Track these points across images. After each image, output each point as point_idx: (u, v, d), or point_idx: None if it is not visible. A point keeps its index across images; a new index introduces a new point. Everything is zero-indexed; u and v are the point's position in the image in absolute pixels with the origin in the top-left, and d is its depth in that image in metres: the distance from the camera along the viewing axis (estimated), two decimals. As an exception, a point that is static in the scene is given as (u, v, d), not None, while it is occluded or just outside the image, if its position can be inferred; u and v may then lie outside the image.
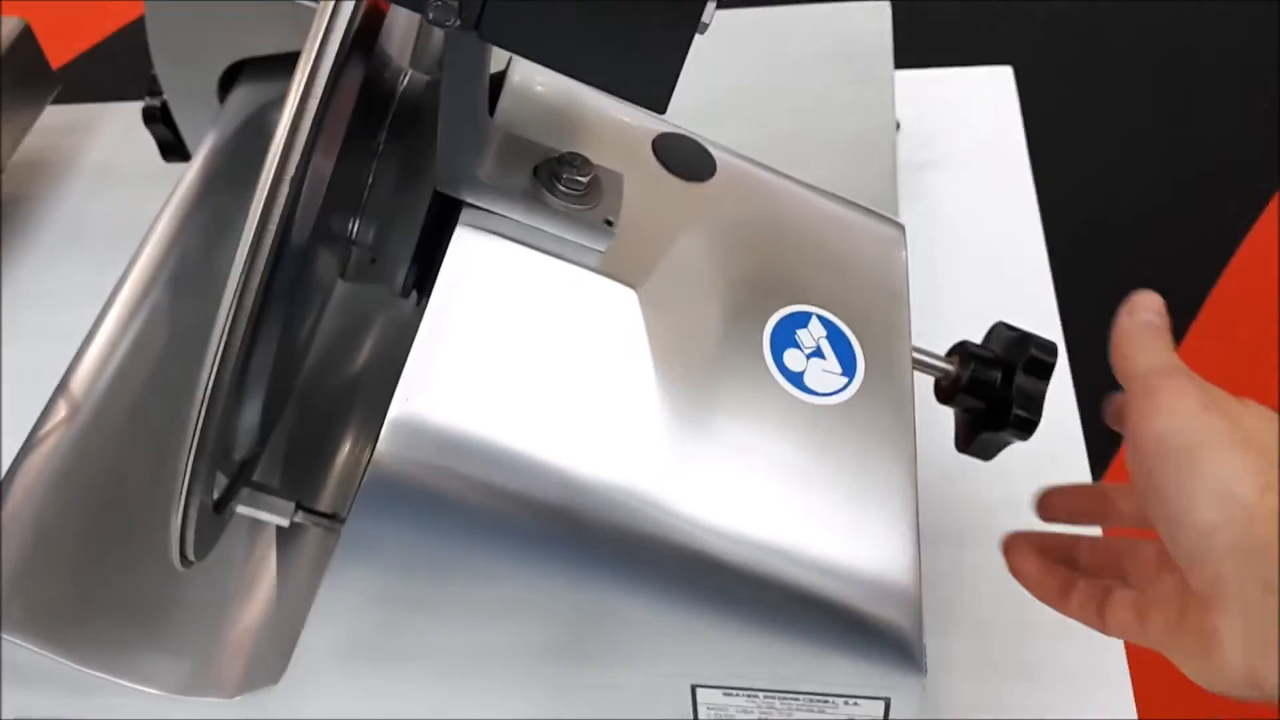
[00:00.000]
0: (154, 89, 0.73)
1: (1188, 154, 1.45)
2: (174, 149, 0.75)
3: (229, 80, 0.70)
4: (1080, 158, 1.35)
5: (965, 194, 0.82)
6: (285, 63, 0.68)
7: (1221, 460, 0.37)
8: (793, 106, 0.76)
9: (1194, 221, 1.35)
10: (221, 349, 0.34)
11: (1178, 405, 0.39)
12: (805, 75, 0.77)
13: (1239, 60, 1.58)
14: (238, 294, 0.33)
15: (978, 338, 0.52)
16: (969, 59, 0.91)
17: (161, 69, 0.70)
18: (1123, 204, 1.34)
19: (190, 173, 0.66)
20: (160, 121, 0.73)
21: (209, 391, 0.34)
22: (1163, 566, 0.40)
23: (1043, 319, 0.72)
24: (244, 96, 0.69)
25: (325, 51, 0.33)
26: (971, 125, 0.87)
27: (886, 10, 0.80)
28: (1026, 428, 0.46)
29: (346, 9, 0.32)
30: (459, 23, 0.33)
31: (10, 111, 0.79)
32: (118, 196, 0.84)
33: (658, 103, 0.34)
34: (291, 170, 0.32)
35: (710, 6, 0.33)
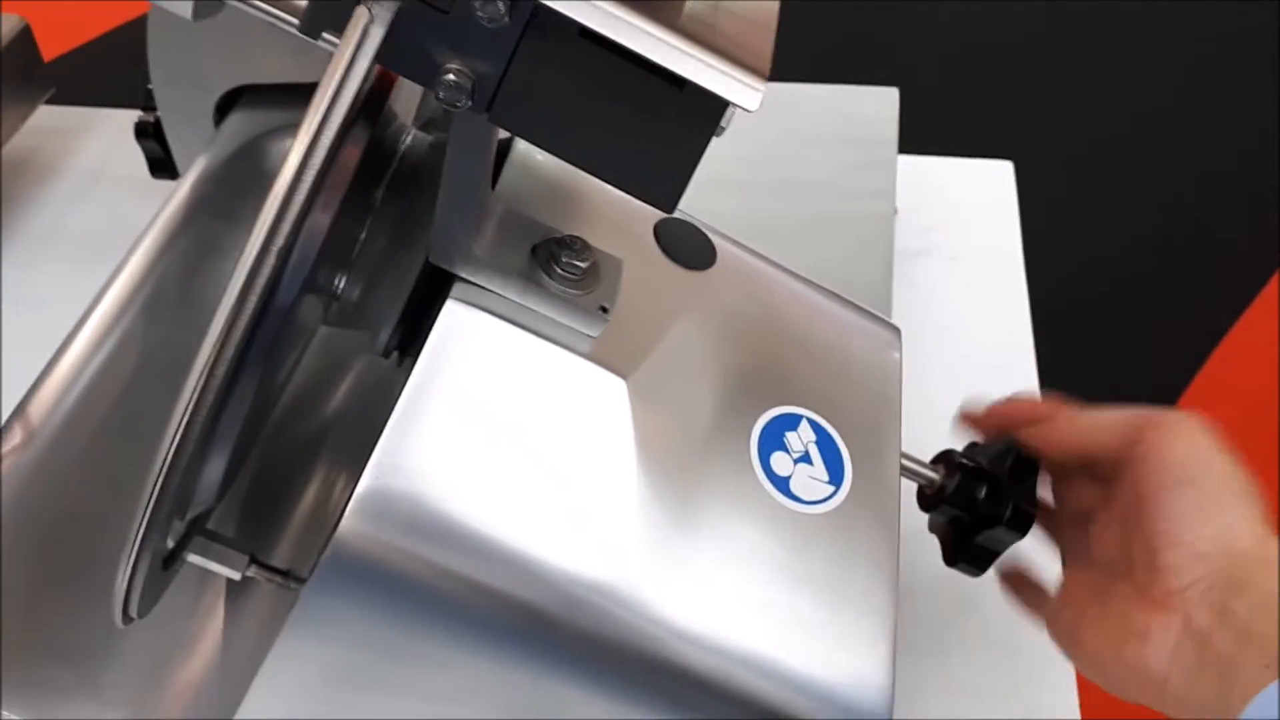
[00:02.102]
0: (149, 104, 0.71)
1: (1178, 258, 1.47)
2: (163, 166, 0.74)
3: (226, 104, 0.69)
4: (1074, 257, 1.36)
5: (957, 284, 0.82)
6: (284, 92, 0.68)
7: (1232, 503, 0.42)
8: (794, 183, 0.76)
9: (1178, 324, 1.36)
10: (188, 416, 0.32)
11: (1197, 439, 0.43)
12: (809, 154, 0.77)
13: (1238, 163, 1.60)
14: (211, 362, 0.32)
15: (957, 431, 0.52)
16: (971, 150, 0.91)
17: (159, 87, 0.68)
18: (1111, 307, 1.35)
19: (177, 196, 0.64)
20: (152, 138, 0.72)
21: (169, 459, 0.33)
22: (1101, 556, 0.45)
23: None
24: (239, 123, 0.68)
25: (331, 115, 0.32)
26: (969, 216, 0.87)
27: (894, 97, 0.80)
28: (1020, 527, 0.46)
29: (356, 79, 0.31)
30: (470, 104, 0.32)
31: (1, 109, 0.77)
32: (101, 204, 0.83)
33: (667, 203, 0.33)
34: (281, 240, 0.31)
35: (730, 111, 0.32)
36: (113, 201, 0.82)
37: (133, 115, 0.73)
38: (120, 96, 0.87)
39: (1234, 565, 0.41)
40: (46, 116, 0.83)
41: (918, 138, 0.84)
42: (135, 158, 0.74)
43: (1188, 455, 0.43)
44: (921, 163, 0.88)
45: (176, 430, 0.33)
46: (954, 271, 0.82)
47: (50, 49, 0.84)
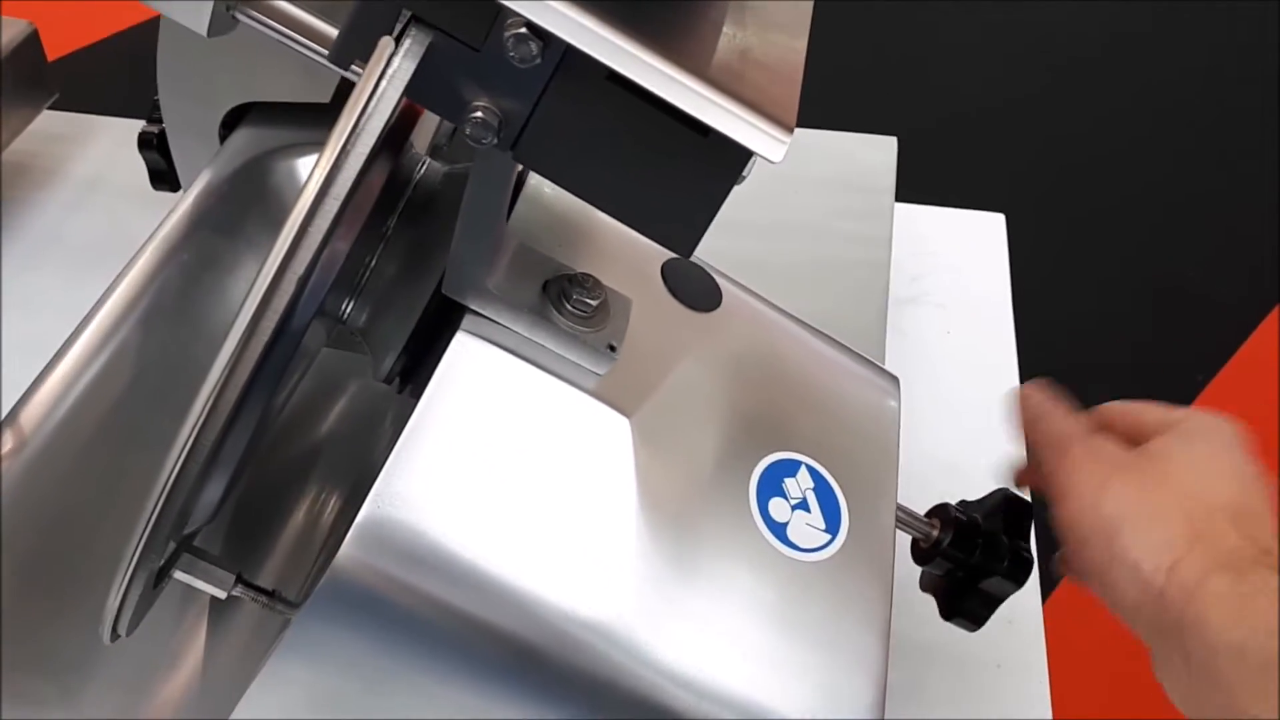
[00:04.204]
0: (154, 115, 0.71)
1: (1165, 312, 1.49)
2: (164, 178, 0.74)
3: (232, 120, 0.69)
4: (1063, 309, 1.38)
5: (946, 332, 0.83)
6: (290, 111, 0.68)
7: (1130, 541, 0.39)
8: (792, 226, 0.76)
9: (1164, 376, 1.39)
10: (195, 437, 0.32)
11: (1076, 488, 0.41)
12: (808, 198, 0.78)
13: (1229, 221, 1.63)
14: (221, 384, 0.32)
15: (944, 480, 0.53)
16: (964, 201, 0.92)
17: (166, 99, 0.68)
18: (1098, 359, 1.37)
19: (179, 210, 0.64)
20: (155, 149, 0.72)
21: (173, 480, 0.33)
22: None
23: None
24: (245, 140, 0.68)
25: (356, 143, 0.32)
26: (960, 266, 0.88)
27: (893, 146, 0.81)
28: (1017, 576, 0.46)
29: (385, 110, 0.31)
30: (495, 141, 0.32)
31: (4, 113, 0.77)
32: (99, 212, 0.83)
33: (685, 248, 0.33)
34: (301, 268, 0.31)
35: (752, 160, 0.32)
36: (110, 210, 0.82)
37: (133, 125, 0.73)
38: (122, 103, 0.88)
39: (1162, 611, 0.38)
40: (48, 122, 0.83)
41: (911, 187, 0.85)
42: (134, 167, 0.74)
43: (1073, 511, 0.41)
44: (914, 211, 0.89)
45: (183, 450, 0.33)
46: (943, 320, 0.83)
47: (54, 50, 0.84)
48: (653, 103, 0.31)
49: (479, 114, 0.32)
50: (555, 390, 0.39)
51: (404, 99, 0.32)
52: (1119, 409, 0.46)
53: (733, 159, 0.32)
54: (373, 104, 0.31)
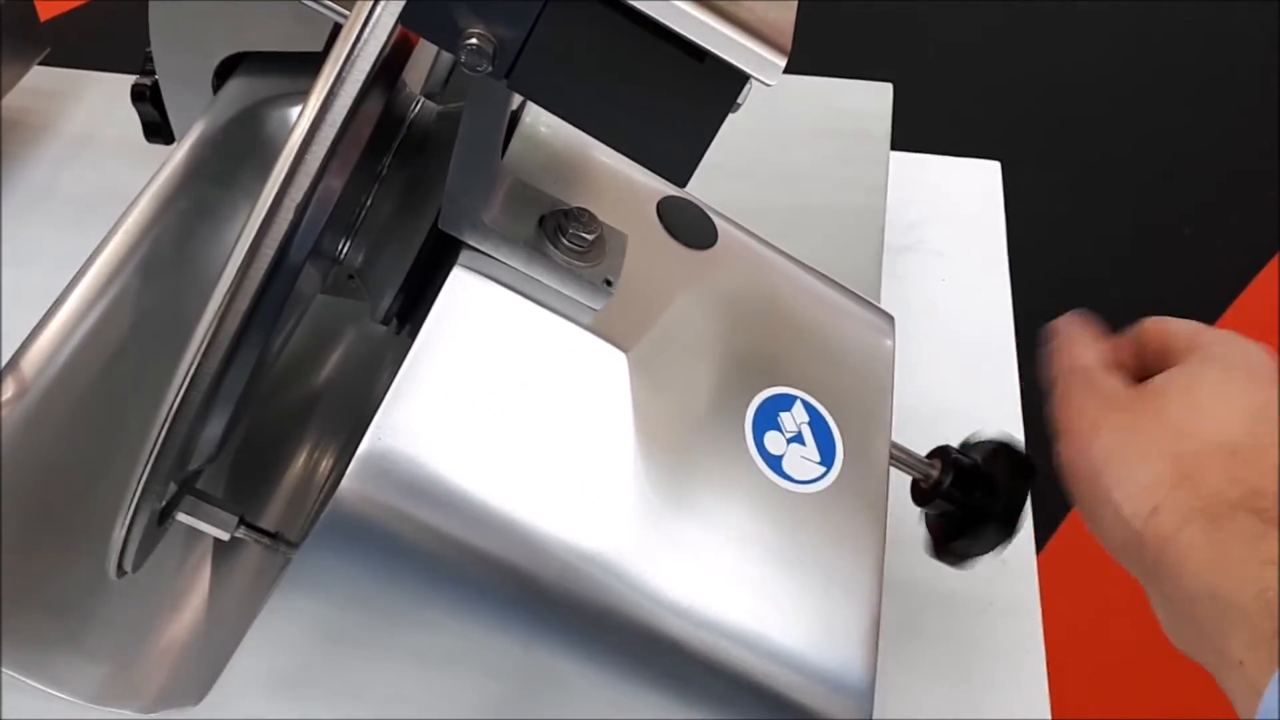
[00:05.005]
0: (147, 67, 0.71)
1: (1160, 259, 1.50)
2: (158, 130, 0.73)
3: (225, 70, 0.69)
4: (1058, 256, 1.39)
5: (941, 281, 0.83)
6: (284, 60, 0.68)
7: (1112, 483, 0.39)
8: (786, 174, 0.76)
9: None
10: (196, 365, 0.32)
11: (1072, 427, 0.42)
12: (802, 145, 0.78)
13: (1226, 169, 1.63)
14: (220, 314, 0.32)
15: (937, 426, 0.53)
16: (960, 149, 0.92)
17: (158, 49, 0.68)
18: (1092, 306, 1.38)
19: (174, 160, 0.64)
20: (148, 101, 0.72)
21: (175, 409, 0.33)
22: None
23: (1005, 417, 0.73)
24: (239, 89, 0.68)
25: (352, 70, 0.32)
26: (954, 215, 0.87)
27: (888, 92, 0.80)
28: (1005, 531, 0.47)
29: (380, 35, 0.31)
30: (490, 69, 0.32)
31: (-3, 68, 0.77)
32: (92, 167, 0.82)
33: (679, 176, 0.33)
34: (299, 195, 0.31)
35: (748, 86, 0.32)
36: (104, 164, 0.82)
37: (125, 80, 0.72)
38: (113, 61, 0.87)
39: (1142, 555, 0.38)
40: (39, 77, 0.83)
41: (907, 134, 0.84)
42: (126, 122, 0.73)
43: (1067, 449, 0.41)
44: (910, 159, 0.88)
45: (184, 380, 0.33)
46: (939, 267, 0.83)
47: (46, 9, 0.84)
48: (647, 26, 0.31)
49: (473, 41, 0.32)
50: (552, 325, 0.39)
51: (398, 27, 0.32)
52: (1152, 326, 0.45)
53: (728, 84, 0.32)
54: (368, 30, 0.31)
